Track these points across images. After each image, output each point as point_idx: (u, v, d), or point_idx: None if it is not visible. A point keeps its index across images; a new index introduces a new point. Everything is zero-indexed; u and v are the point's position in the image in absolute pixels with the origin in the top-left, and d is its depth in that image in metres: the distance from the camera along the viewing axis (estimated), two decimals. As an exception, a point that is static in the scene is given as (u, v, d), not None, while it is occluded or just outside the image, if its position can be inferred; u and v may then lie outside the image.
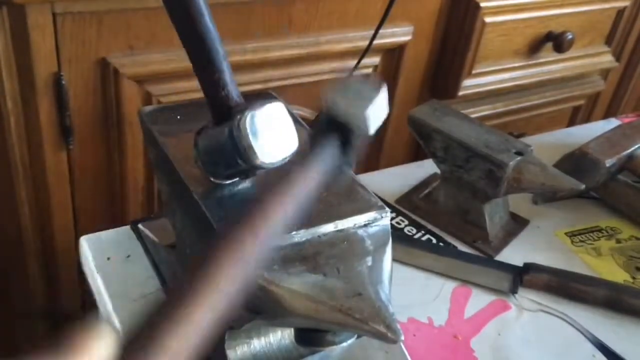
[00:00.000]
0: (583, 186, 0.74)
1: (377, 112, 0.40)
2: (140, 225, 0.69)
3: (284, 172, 0.36)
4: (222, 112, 0.47)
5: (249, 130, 0.44)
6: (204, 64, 0.46)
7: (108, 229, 0.69)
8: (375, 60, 1.02)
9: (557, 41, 1.17)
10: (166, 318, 0.25)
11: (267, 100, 0.46)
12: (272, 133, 0.45)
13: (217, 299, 0.26)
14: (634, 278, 0.75)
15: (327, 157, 0.39)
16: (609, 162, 0.79)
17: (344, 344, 0.47)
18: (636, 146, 0.84)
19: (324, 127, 0.40)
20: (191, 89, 0.85)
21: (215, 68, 0.46)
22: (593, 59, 1.31)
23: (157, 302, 0.26)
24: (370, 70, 1.02)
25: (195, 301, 0.26)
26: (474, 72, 1.12)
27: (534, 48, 1.18)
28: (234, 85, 0.47)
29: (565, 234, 0.81)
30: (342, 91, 0.40)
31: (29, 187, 0.82)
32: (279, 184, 0.34)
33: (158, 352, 0.24)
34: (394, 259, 0.48)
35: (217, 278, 0.27)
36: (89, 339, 0.23)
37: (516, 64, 1.18)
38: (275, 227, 0.32)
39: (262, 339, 0.52)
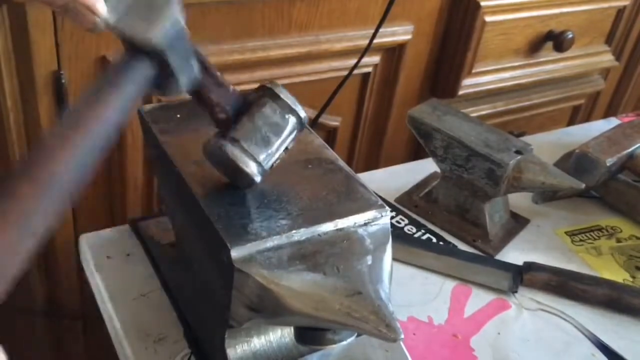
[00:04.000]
0: (583, 185, 0.74)
1: (155, 18, 0.39)
2: (139, 224, 0.69)
3: (81, 104, 0.36)
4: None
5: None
6: None
7: (107, 227, 0.69)
8: (375, 59, 1.02)
9: (557, 40, 1.17)
10: None
11: None
12: None
13: None
14: (633, 277, 0.75)
15: (126, 80, 0.38)
16: (609, 161, 0.79)
17: (344, 343, 0.47)
18: (636, 145, 0.84)
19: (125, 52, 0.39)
20: (191, 88, 0.85)
21: None
22: (593, 58, 1.31)
23: None
24: (370, 69, 1.02)
25: None
26: (474, 71, 1.12)
27: (534, 47, 1.18)
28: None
29: (566, 233, 0.81)
30: (129, 8, 0.39)
31: (28, 186, 0.82)
32: (72, 117, 0.35)
33: None
34: (394, 258, 0.48)
35: None
36: None
37: (516, 63, 1.18)
38: (66, 163, 0.32)
39: (262, 337, 0.52)
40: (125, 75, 0.38)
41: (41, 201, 0.31)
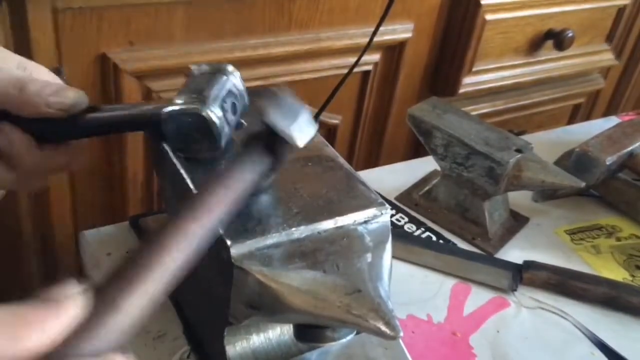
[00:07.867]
0: (583, 184, 0.74)
1: (304, 127, 0.44)
2: (139, 221, 0.69)
3: (222, 172, 0.41)
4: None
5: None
6: None
7: (107, 224, 0.69)
8: (375, 57, 1.02)
9: (558, 39, 1.17)
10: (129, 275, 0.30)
11: None
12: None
13: (163, 270, 0.31)
14: (633, 276, 0.75)
15: (258, 161, 0.42)
16: (609, 160, 0.79)
17: (343, 340, 0.47)
18: (636, 144, 0.84)
19: (259, 134, 0.43)
20: (191, 85, 0.85)
21: None
22: (593, 57, 1.31)
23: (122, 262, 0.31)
24: (370, 67, 1.02)
25: (146, 269, 0.31)
26: (474, 69, 1.12)
27: (534, 46, 1.18)
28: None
29: (565, 231, 0.81)
30: (276, 104, 0.44)
31: (28, 183, 0.82)
32: (218, 182, 0.39)
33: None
34: (394, 256, 0.48)
35: (163, 255, 0.32)
36: (60, 296, 0.26)
37: (516, 62, 1.18)
38: (215, 218, 0.37)
39: (262, 334, 0.52)
40: (258, 156, 0.43)
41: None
